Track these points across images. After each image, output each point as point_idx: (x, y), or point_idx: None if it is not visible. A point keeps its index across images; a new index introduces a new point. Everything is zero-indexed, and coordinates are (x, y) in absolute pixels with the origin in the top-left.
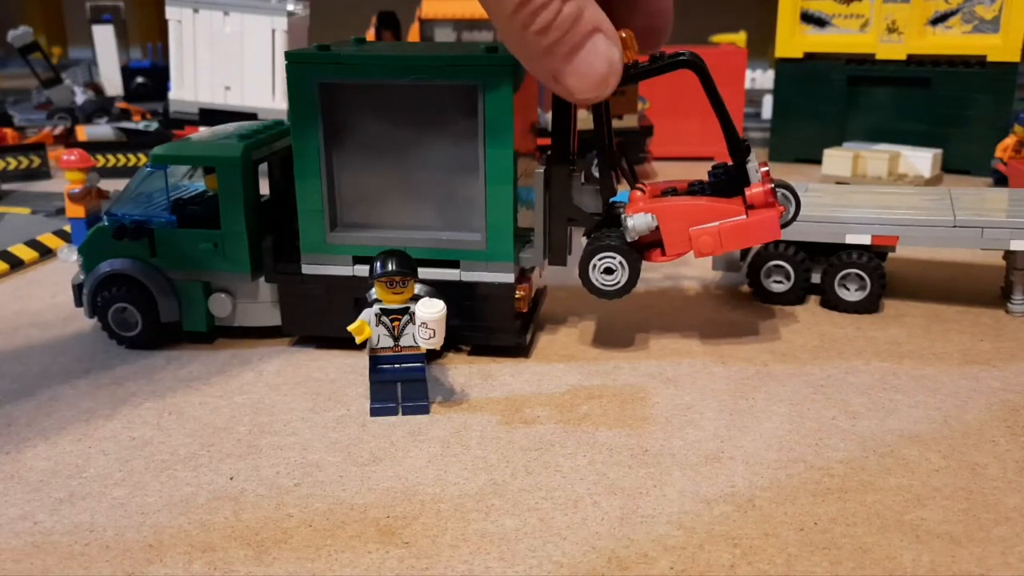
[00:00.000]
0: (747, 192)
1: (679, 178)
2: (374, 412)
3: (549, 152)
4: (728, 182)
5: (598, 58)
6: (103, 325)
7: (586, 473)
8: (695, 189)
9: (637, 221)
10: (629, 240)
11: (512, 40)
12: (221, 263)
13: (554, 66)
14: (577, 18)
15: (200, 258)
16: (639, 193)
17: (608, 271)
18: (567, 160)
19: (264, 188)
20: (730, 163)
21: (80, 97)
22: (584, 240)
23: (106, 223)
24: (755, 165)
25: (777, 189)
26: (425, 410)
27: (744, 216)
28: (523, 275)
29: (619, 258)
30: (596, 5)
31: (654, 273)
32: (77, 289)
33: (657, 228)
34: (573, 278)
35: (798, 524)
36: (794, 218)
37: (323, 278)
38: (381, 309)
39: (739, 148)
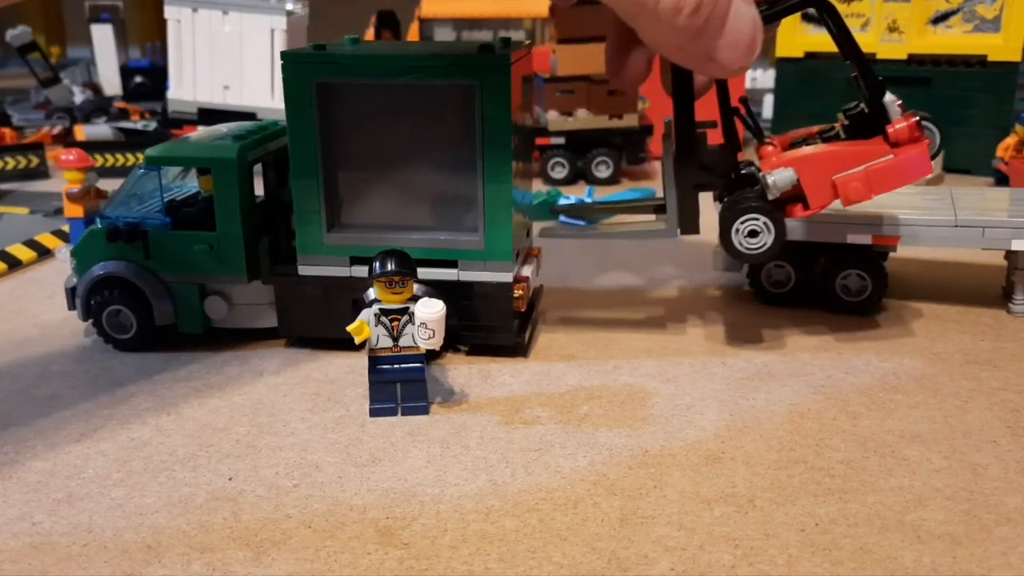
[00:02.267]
0: (890, 129)
1: (791, 132)
2: (373, 412)
3: (673, 119)
4: (863, 123)
5: (744, 22)
6: (97, 328)
7: (586, 474)
8: (828, 136)
9: (778, 177)
10: (770, 198)
11: (662, 32)
12: (216, 265)
13: (708, 44)
14: None
15: (195, 260)
16: (769, 148)
17: (753, 233)
18: (691, 126)
19: (259, 189)
20: (860, 104)
21: (79, 97)
22: (716, 205)
23: (99, 225)
24: (893, 98)
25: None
26: (424, 410)
27: (891, 155)
28: (519, 274)
29: (763, 219)
30: None
31: (654, 273)
32: (70, 292)
33: (797, 182)
34: (572, 278)
35: (799, 525)
36: (939, 151)
37: (320, 279)
38: (380, 309)
39: (874, 85)
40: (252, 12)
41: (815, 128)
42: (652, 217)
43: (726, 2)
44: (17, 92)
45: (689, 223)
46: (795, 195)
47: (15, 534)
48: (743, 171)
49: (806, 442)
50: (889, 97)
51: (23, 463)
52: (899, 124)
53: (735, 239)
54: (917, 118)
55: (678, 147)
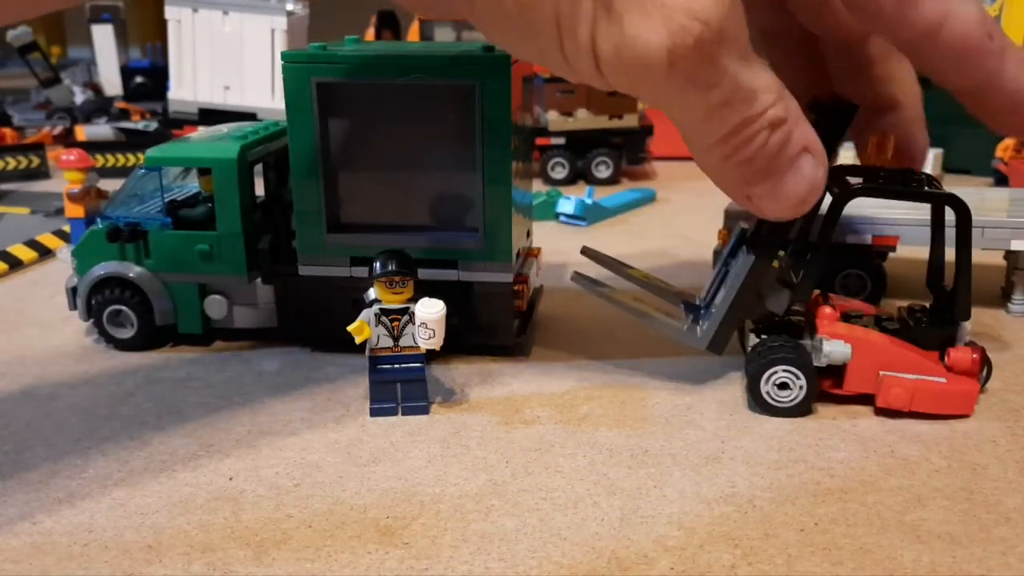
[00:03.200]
0: (951, 353)
1: (849, 299)
2: (374, 412)
3: (753, 237)
4: (923, 329)
5: (801, 182)
6: (98, 328)
7: (586, 473)
8: (885, 325)
9: (835, 349)
10: (816, 364)
11: (709, 166)
12: (217, 265)
13: (751, 190)
14: (784, 144)
15: (195, 260)
16: (828, 311)
17: (784, 387)
18: (773, 251)
19: (260, 189)
20: (928, 306)
21: (79, 97)
22: (751, 336)
23: (100, 225)
24: (967, 328)
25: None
26: (425, 410)
27: (943, 380)
28: (519, 274)
29: (798, 373)
30: (806, 120)
31: (654, 273)
32: (71, 292)
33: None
34: (570, 278)
35: (798, 524)
36: (985, 380)
37: (321, 279)
38: (381, 309)
39: (962, 310)
40: (252, 12)
41: (873, 308)
42: (678, 307)
43: (790, 157)
44: (18, 92)
45: (720, 344)
46: (830, 367)
47: (16, 533)
48: (791, 318)
49: (806, 442)
50: (966, 327)
51: (24, 463)
52: (963, 353)
53: (763, 387)
54: (979, 355)
55: (761, 265)
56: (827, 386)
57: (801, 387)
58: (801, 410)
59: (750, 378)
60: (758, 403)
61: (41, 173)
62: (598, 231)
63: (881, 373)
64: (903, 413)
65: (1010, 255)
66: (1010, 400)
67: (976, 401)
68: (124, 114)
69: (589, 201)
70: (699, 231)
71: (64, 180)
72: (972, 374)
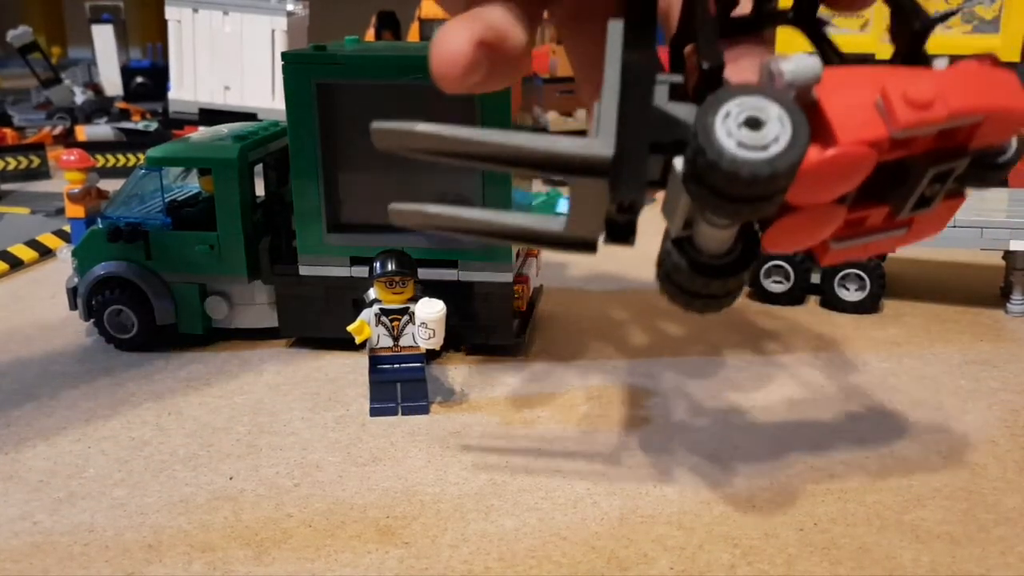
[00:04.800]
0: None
1: None
2: (374, 412)
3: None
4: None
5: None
6: (99, 328)
7: (586, 473)
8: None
9: (800, 64)
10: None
11: None
12: (217, 265)
13: None
14: None
15: (196, 260)
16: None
17: (754, 124)
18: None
19: (260, 189)
20: None
21: (80, 97)
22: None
23: (101, 225)
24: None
25: None
26: (425, 410)
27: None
28: (519, 274)
29: (773, 104)
30: None
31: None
32: (71, 292)
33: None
34: (572, 278)
35: (798, 524)
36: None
37: (321, 279)
38: (381, 309)
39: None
40: (252, 12)
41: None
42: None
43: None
44: (18, 92)
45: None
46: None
47: (16, 533)
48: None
49: (805, 442)
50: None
51: (24, 463)
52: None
53: (719, 128)
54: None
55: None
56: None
57: (784, 121)
58: (788, 159)
59: (702, 133)
60: (724, 166)
61: (41, 173)
62: None
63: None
64: (901, 411)
65: (1009, 255)
66: (1009, 400)
67: None
68: (124, 114)
69: None
70: None
71: (64, 180)
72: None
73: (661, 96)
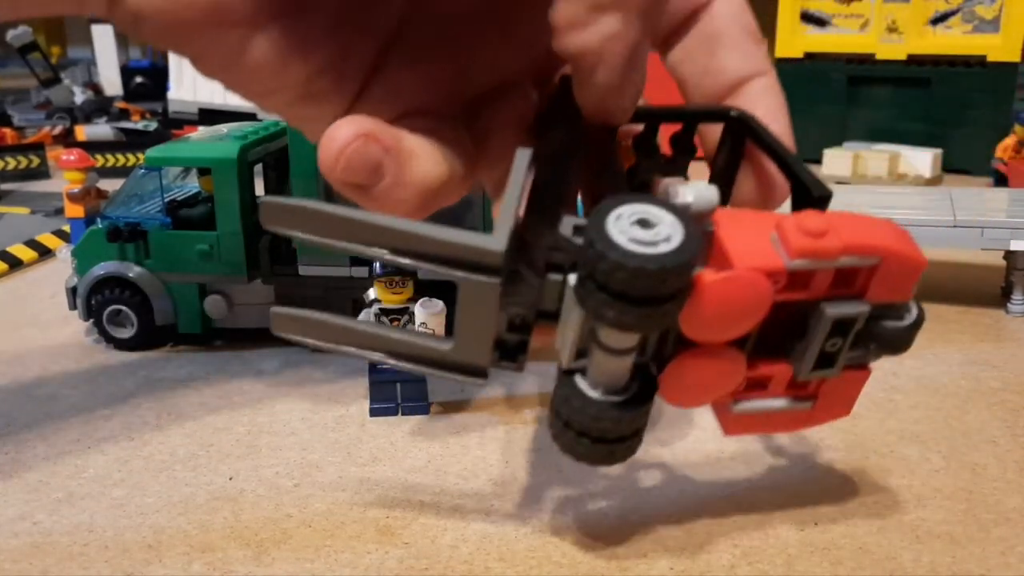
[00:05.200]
0: None
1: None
2: (373, 412)
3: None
4: None
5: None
6: (98, 328)
7: (586, 473)
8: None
9: (700, 191)
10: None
11: None
12: (217, 265)
13: None
14: None
15: (195, 260)
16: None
17: (645, 224)
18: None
19: (260, 189)
20: None
21: (79, 97)
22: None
23: (100, 225)
24: None
25: None
26: (425, 410)
27: None
28: None
29: (666, 211)
30: None
31: None
32: (71, 292)
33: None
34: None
35: (798, 524)
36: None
37: (320, 279)
38: (380, 309)
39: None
40: None
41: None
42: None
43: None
44: (18, 92)
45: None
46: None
47: (16, 533)
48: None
49: (806, 442)
50: None
51: (23, 463)
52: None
53: (612, 228)
54: None
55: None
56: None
57: (677, 225)
58: (677, 259)
59: (594, 229)
60: (620, 262)
61: (41, 173)
62: None
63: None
64: (901, 411)
65: (1009, 255)
66: (1010, 400)
67: None
68: (124, 114)
69: None
70: None
71: (64, 180)
72: None
73: (567, 227)
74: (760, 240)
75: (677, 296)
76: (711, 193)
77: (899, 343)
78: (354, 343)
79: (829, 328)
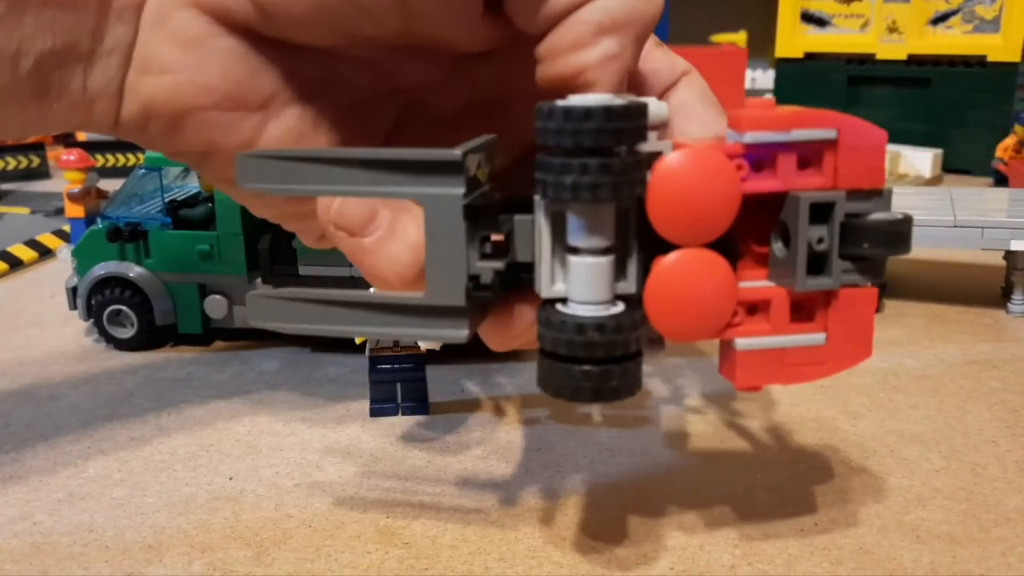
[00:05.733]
0: None
1: None
2: (374, 412)
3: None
4: None
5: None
6: (98, 328)
7: (586, 474)
8: None
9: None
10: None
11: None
12: (217, 265)
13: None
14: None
15: (195, 260)
16: None
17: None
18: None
19: None
20: None
21: None
22: None
23: (100, 225)
24: None
25: None
26: (425, 410)
27: None
28: None
29: (608, 96)
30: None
31: None
32: (71, 292)
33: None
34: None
35: (798, 525)
36: None
37: (321, 279)
38: None
39: None
40: None
41: None
42: None
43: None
44: None
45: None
46: None
47: (16, 533)
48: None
49: (806, 442)
50: None
51: (24, 463)
52: None
53: None
54: None
55: None
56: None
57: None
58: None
59: None
60: None
61: (41, 173)
62: None
63: None
64: (902, 411)
65: (1010, 255)
66: (1010, 400)
67: None
68: None
69: None
70: None
71: (64, 180)
72: None
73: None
74: (716, 141)
75: (625, 140)
76: (662, 107)
77: (894, 238)
78: (333, 321)
79: (807, 214)
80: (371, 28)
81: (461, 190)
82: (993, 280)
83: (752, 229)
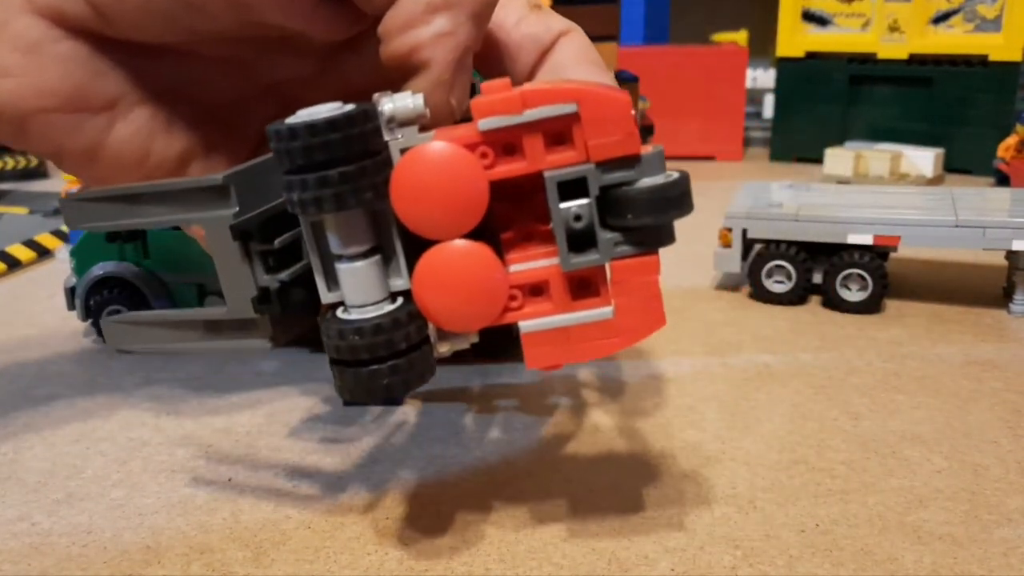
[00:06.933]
0: None
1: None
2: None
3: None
4: None
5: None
6: (97, 328)
7: (586, 474)
8: None
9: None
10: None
11: None
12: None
13: None
14: None
15: (195, 260)
16: None
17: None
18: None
19: None
20: None
21: None
22: None
23: None
24: None
25: None
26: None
27: None
28: None
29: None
30: None
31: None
32: (69, 292)
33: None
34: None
35: (799, 525)
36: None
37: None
38: None
39: None
40: None
41: None
42: None
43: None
44: None
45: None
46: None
47: (15, 535)
48: None
49: (807, 443)
50: None
51: (22, 463)
52: None
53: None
54: None
55: None
56: None
57: None
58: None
59: None
60: None
61: (40, 173)
62: None
63: None
64: (903, 412)
65: (1011, 255)
66: (1012, 400)
67: None
68: None
69: None
70: (699, 231)
71: (63, 180)
72: None
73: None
74: (470, 127)
75: (356, 152)
76: (415, 100)
77: (659, 204)
78: (170, 340)
79: (556, 192)
80: (208, 24)
81: (230, 211)
82: (995, 280)
83: (527, 211)
